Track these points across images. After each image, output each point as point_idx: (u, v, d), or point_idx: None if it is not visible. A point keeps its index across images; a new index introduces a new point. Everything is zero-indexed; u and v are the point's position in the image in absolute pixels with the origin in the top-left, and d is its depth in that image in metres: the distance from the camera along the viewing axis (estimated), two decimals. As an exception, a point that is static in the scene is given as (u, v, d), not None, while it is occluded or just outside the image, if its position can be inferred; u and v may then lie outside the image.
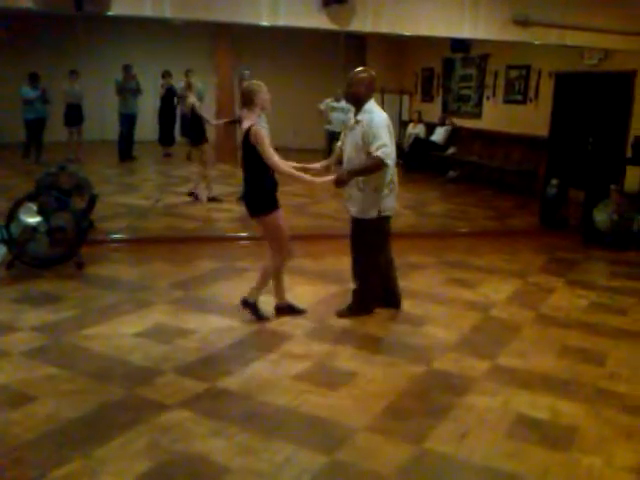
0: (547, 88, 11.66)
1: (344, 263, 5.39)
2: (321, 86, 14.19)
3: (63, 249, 6.12)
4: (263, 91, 4.85)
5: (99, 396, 3.84)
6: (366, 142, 4.86)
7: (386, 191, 5.02)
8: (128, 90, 13.21)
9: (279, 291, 5.20)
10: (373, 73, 5.09)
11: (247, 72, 9.37)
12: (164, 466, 3.19)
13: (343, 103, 12.04)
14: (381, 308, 5.40)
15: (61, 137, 12.92)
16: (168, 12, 6.78)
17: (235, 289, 5.59)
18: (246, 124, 4.81)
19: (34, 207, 6.04)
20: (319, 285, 6.04)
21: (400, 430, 3.59)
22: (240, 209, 8.13)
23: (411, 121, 15.00)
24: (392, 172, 5.02)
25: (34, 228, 5.98)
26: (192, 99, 9.59)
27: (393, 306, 5.46)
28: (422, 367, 4.42)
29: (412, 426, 3.64)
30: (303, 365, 4.35)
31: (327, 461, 3.27)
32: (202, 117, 9.57)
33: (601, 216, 8.21)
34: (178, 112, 14.14)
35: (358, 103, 5.01)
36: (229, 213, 9.06)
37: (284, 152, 5.06)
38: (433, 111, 14.88)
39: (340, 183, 4.92)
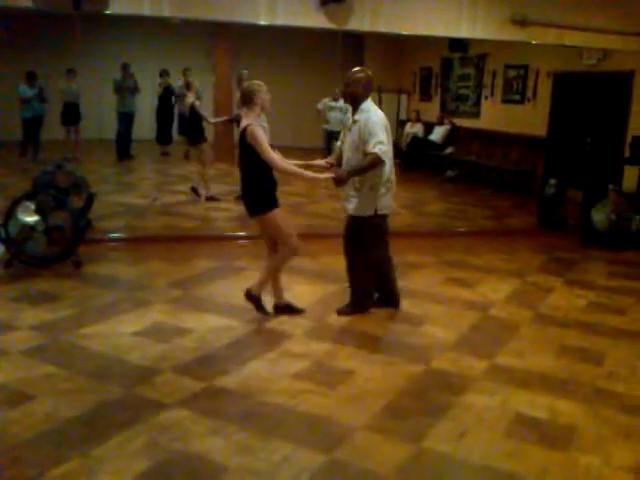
0: (545, 88, 11.67)
1: (342, 262, 5.38)
2: (319, 85, 14.21)
3: (61, 248, 6.11)
4: (263, 91, 4.86)
5: (97, 395, 3.83)
6: (363, 140, 4.86)
7: (383, 190, 5.02)
8: (126, 89, 13.19)
9: (277, 290, 5.20)
10: (370, 73, 5.10)
11: (245, 72, 9.37)
12: (162, 465, 3.18)
13: (341, 102, 12.06)
14: (379, 307, 5.41)
15: (58, 135, 12.90)
16: (166, 11, 6.79)
17: (233, 288, 5.60)
18: (243, 123, 4.81)
19: (32, 206, 6.02)
20: (317, 284, 6.04)
21: (398, 429, 3.59)
22: (238, 208, 8.14)
23: (409, 120, 15.01)
24: (390, 171, 5.02)
25: (32, 227, 5.97)
26: (191, 98, 9.58)
27: (392, 305, 5.46)
28: (421, 366, 4.42)
29: (410, 425, 3.64)
30: (302, 364, 4.35)
31: (325, 460, 3.27)
32: (202, 116, 9.56)
33: (599, 216, 8.21)
34: (176, 111, 14.18)
35: (355, 103, 5.02)
36: (227, 212, 9.05)
37: (285, 152, 5.04)
38: (431, 110, 14.89)
39: (339, 182, 4.93)
